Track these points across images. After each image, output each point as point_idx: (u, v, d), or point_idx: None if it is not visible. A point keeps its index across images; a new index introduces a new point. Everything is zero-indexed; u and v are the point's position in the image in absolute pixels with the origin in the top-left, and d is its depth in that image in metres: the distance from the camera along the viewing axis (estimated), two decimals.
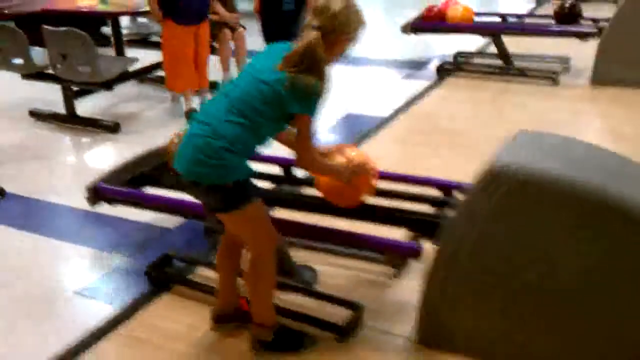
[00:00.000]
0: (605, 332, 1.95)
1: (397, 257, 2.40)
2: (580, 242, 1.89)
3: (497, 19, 5.47)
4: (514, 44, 5.40)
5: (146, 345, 2.31)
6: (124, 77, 4.67)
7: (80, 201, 2.81)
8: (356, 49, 2.11)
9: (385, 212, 2.44)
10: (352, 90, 5.27)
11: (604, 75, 4.91)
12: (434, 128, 4.41)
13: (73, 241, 3.04)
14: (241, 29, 5.27)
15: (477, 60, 5.67)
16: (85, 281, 2.74)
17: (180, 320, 2.41)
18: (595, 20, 5.08)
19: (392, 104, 4.87)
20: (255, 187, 2.08)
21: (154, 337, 2.35)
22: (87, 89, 4.85)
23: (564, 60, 5.38)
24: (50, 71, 4.51)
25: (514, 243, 2.00)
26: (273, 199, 2.65)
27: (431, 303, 2.21)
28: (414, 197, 2.59)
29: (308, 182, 2.68)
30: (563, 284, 1.95)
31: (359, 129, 4.33)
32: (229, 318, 2.34)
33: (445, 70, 5.46)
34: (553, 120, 4.31)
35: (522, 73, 5.18)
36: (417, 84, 5.34)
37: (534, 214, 1.93)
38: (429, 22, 5.41)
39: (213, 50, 4.99)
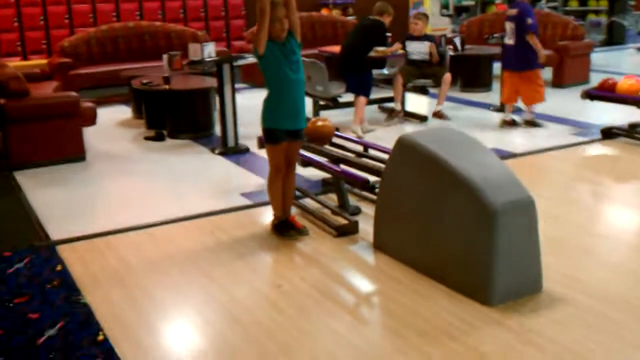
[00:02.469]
0: (436, 238, 3.57)
1: (357, 184, 4.24)
2: (427, 181, 3.57)
3: None
4: None
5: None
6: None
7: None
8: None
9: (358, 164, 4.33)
10: (514, 135, 6.77)
11: None
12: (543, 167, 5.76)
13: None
14: None
15: None
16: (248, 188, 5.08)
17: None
18: None
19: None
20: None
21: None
22: (326, 105, 7.19)
23: None
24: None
25: (406, 183, 3.74)
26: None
27: (377, 223, 4.01)
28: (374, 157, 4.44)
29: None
30: (419, 204, 3.63)
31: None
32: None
33: (610, 134, 6.53)
34: None
35: None
36: (577, 139, 6.56)
37: (413, 165, 3.66)
38: (601, 91, 6.58)
39: None
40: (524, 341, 3.03)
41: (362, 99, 6.94)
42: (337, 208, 4.62)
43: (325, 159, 4.84)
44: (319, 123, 5.07)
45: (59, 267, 3.92)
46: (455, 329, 3.15)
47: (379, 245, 4.05)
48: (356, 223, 4.32)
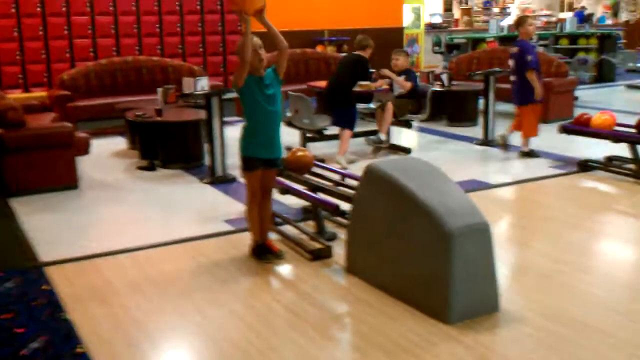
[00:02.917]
0: (400, 261, 3.80)
1: (329, 210, 4.48)
2: (392, 207, 3.82)
3: (633, 130, 6.57)
4: None
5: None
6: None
7: None
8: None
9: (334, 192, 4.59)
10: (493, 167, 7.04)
11: None
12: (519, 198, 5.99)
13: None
14: None
15: (617, 163, 6.81)
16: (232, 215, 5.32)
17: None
18: None
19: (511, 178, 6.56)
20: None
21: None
22: (313, 137, 7.48)
23: None
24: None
25: (373, 209, 3.99)
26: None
27: (349, 247, 4.24)
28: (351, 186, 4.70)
29: None
30: (385, 229, 3.87)
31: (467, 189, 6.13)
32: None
33: (586, 166, 6.78)
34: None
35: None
36: (554, 171, 6.81)
37: (379, 191, 3.91)
38: (576, 125, 6.86)
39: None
40: (476, 356, 3.24)
41: (347, 132, 7.22)
42: (314, 234, 4.85)
43: (304, 187, 5.08)
44: (299, 153, 5.33)
45: (45, 287, 4.15)
46: (415, 346, 3.36)
47: (351, 268, 4.27)
48: (330, 248, 4.56)
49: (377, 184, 3.98)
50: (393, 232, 3.88)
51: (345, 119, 7.26)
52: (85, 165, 7.13)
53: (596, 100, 12.09)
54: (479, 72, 8.33)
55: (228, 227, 5.23)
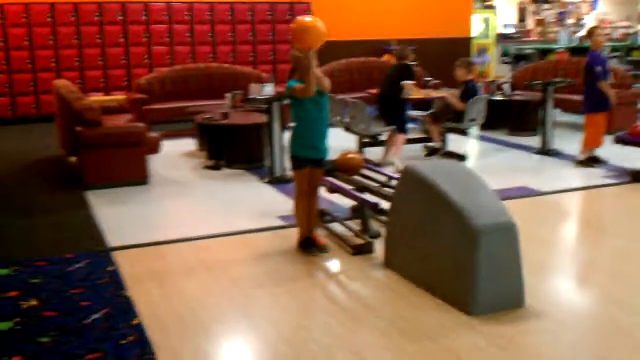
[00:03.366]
0: (430, 255, 4.06)
1: (369, 207, 4.76)
2: (425, 205, 4.09)
3: None
4: None
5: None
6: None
7: None
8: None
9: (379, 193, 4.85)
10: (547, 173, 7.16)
11: None
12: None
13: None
14: None
15: None
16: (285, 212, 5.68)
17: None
18: None
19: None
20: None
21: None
22: (369, 142, 7.78)
23: None
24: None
25: (409, 207, 4.27)
26: None
27: (387, 243, 4.53)
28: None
29: None
30: (418, 226, 4.15)
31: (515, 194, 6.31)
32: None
33: (637, 178, 6.82)
34: None
35: None
36: (606, 181, 6.88)
37: (415, 191, 4.19)
38: (632, 137, 6.90)
39: None
40: (495, 346, 3.47)
41: (401, 136, 7.49)
42: (359, 231, 5.15)
43: (351, 187, 5.39)
44: (349, 155, 5.65)
45: (110, 268, 4.61)
46: (437, 333, 3.62)
47: (388, 263, 4.55)
48: (371, 243, 4.85)
49: (413, 184, 4.25)
50: (425, 229, 4.14)
51: (397, 122, 7.53)
52: (156, 163, 7.67)
53: None
54: (538, 82, 8.41)
55: (281, 223, 5.59)
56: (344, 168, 5.60)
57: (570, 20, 21.63)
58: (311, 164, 4.79)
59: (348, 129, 7.78)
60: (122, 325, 3.74)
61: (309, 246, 4.89)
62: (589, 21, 23.55)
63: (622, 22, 23.59)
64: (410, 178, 4.30)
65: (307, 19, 4.56)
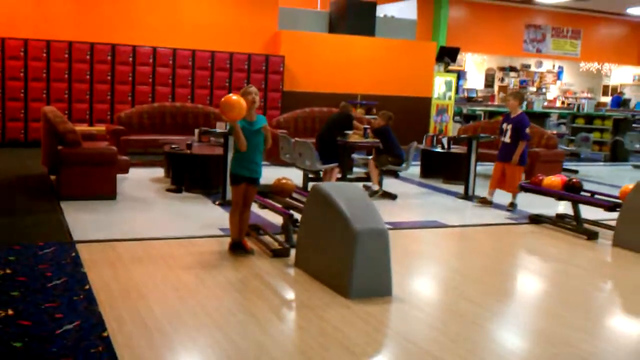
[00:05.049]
0: (325, 255, 5.21)
1: (285, 217, 5.92)
2: (324, 215, 5.25)
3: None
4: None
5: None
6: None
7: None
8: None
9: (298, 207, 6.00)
10: (460, 213, 8.33)
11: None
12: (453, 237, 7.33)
13: None
14: None
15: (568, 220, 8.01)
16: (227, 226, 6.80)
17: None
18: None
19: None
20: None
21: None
22: (313, 177, 8.99)
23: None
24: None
25: (313, 217, 5.44)
26: None
27: (297, 247, 5.68)
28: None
29: None
30: (319, 232, 5.30)
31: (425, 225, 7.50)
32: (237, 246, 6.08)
33: (534, 220, 8.04)
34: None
35: (584, 231, 7.46)
36: (506, 221, 8.09)
37: (319, 204, 5.36)
38: (531, 185, 8.15)
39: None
40: (358, 317, 4.59)
41: (335, 170, 8.78)
42: (283, 242, 6.28)
43: (279, 205, 6.55)
44: (283, 181, 6.82)
45: (73, 254, 5.72)
46: (317, 307, 4.74)
47: (297, 262, 5.69)
48: (287, 249, 5.99)
49: (318, 199, 5.42)
50: (323, 234, 5.29)
51: (332, 161, 8.85)
52: (126, 185, 8.83)
53: (597, 175, 13.21)
54: (464, 136, 9.70)
55: (220, 233, 6.72)
56: (279, 191, 6.78)
57: (532, 88, 23.27)
58: (246, 182, 5.95)
59: (295, 165, 8.98)
60: (77, 288, 4.84)
61: (237, 248, 6.02)
62: (554, 91, 25.27)
63: (584, 93, 25.30)
64: (316, 195, 5.47)
65: (234, 97, 5.64)
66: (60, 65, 12.69)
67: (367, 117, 13.45)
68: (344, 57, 15.50)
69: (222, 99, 5.67)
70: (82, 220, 7.00)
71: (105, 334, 4.04)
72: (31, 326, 4.11)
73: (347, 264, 4.96)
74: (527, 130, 8.68)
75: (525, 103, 16.33)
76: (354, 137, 9.30)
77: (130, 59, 13.23)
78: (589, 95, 24.92)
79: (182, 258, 5.83)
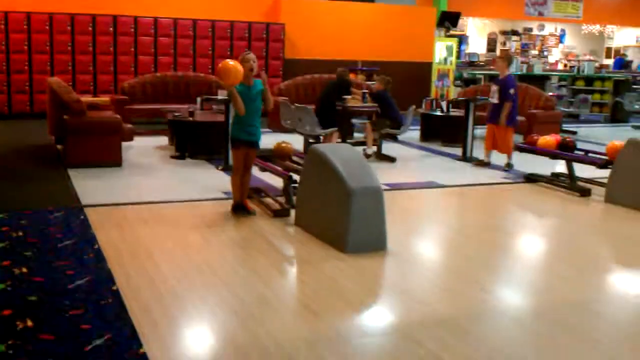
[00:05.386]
0: (322, 212, 5.44)
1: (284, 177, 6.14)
2: (321, 174, 5.47)
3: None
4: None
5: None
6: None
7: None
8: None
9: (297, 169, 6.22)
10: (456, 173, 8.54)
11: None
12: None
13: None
14: None
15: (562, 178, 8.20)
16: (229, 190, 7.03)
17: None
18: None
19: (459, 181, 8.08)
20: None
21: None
22: (313, 142, 9.18)
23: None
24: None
25: (311, 177, 5.66)
26: None
27: (297, 206, 5.91)
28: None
29: None
30: (316, 191, 5.53)
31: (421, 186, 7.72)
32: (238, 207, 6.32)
33: (530, 179, 8.23)
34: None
35: (578, 189, 7.65)
36: (502, 180, 8.29)
37: (316, 165, 5.57)
38: (526, 145, 8.33)
39: None
40: (351, 267, 4.83)
41: (335, 134, 8.96)
42: (284, 202, 6.51)
43: (279, 167, 6.76)
44: (283, 144, 7.03)
45: (82, 217, 5.97)
46: (314, 260, 4.99)
47: (297, 221, 5.92)
48: (288, 209, 6.22)
49: (315, 160, 5.63)
50: (320, 193, 5.51)
51: (331, 125, 9.05)
52: (131, 154, 9.06)
53: (596, 136, 13.35)
54: (461, 99, 9.87)
55: (223, 196, 6.95)
56: (279, 154, 6.98)
57: (534, 52, 23.27)
58: (246, 145, 6.16)
59: (295, 130, 9.18)
60: (87, 248, 5.10)
61: (239, 209, 6.25)
62: (557, 54, 25.25)
63: (587, 56, 25.26)
64: (313, 156, 5.68)
65: (230, 62, 5.84)
66: (63, 38, 12.83)
67: (368, 82, 13.58)
68: (344, 23, 15.58)
69: (219, 65, 5.85)
70: (90, 186, 7.24)
71: (114, 288, 4.29)
72: (44, 282, 4.36)
73: (343, 221, 5.18)
74: (512, 91, 8.83)
75: (519, 65, 16.50)
76: (353, 101, 9.48)
77: (132, 29, 13.35)
78: (592, 58, 24.85)
79: (187, 219, 6.07)
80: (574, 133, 13.28)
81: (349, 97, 9.36)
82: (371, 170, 5.47)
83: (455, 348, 3.59)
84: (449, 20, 18.38)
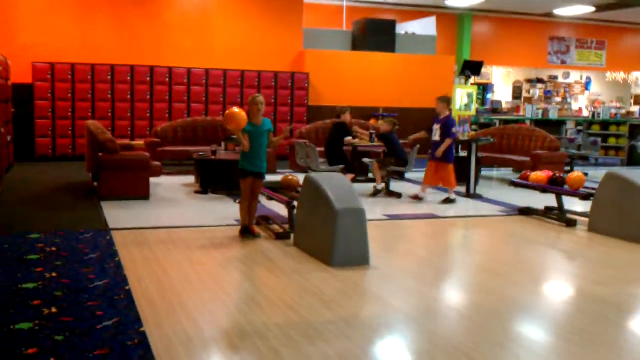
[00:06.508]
0: (314, 232, 6.20)
1: (285, 203, 6.92)
2: (314, 199, 6.25)
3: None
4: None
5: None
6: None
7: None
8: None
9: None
10: (454, 207, 9.20)
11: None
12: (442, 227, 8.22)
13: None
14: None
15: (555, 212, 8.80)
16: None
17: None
18: None
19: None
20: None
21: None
22: None
23: None
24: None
25: (307, 201, 6.44)
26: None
27: (296, 229, 6.68)
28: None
29: None
30: (310, 214, 6.30)
31: (420, 217, 8.41)
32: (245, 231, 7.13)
33: (523, 212, 8.86)
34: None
35: (565, 220, 8.25)
36: (498, 213, 8.92)
37: (311, 191, 6.36)
38: (520, 180, 8.99)
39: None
40: (335, 278, 5.55)
41: (349, 175, 9.77)
42: (288, 227, 7.28)
43: (285, 197, 7.55)
44: (289, 177, 7.82)
45: (108, 237, 6.83)
46: (304, 272, 5.72)
47: (295, 242, 6.68)
48: (289, 232, 6.99)
49: (310, 187, 6.41)
50: (313, 215, 6.28)
51: (338, 164, 9.87)
52: (159, 189, 9.98)
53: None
54: (465, 139, 10.58)
55: (235, 223, 7.76)
56: (286, 186, 7.79)
57: (557, 99, 23.88)
58: (253, 175, 7.00)
59: (309, 168, 10.02)
60: (109, 260, 5.93)
61: (246, 233, 7.05)
62: (583, 101, 25.79)
63: (613, 103, 25.73)
64: (309, 183, 6.47)
65: (236, 109, 6.74)
66: (103, 87, 14.02)
67: (371, 124, 14.38)
68: (365, 72, 16.50)
69: (226, 112, 6.76)
70: (118, 214, 8.14)
71: (127, 288, 5.10)
72: (69, 283, 5.19)
73: (330, 238, 5.93)
74: (454, 130, 9.66)
75: (535, 110, 17.12)
76: (361, 142, 10.31)
77: (167, 79, 14.49)
78: (618, 105, 25.31)
79: (199, 240, 6.88)
80: (586, 175, 13.80)
81: (349, 137, 10.23)
82: (356, 195, 6.22)
83: (409, 339, 4.28)
84: (472, 68, 19.17)
